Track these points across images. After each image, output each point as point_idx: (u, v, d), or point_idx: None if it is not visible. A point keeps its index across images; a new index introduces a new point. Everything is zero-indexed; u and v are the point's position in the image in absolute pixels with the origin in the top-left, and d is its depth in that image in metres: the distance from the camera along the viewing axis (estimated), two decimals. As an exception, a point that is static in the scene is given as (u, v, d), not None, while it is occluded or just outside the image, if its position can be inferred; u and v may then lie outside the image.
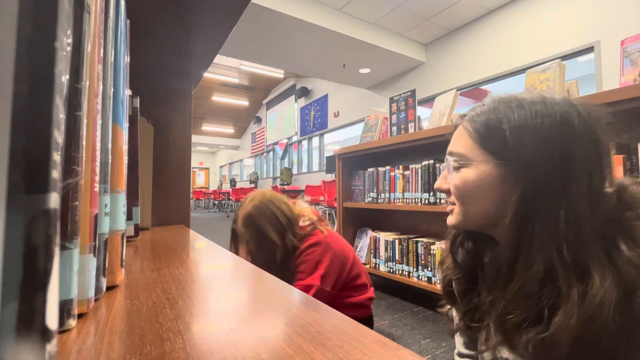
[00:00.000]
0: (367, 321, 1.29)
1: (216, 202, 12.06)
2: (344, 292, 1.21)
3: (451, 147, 0.51)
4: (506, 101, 0.46)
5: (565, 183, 0.40)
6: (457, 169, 0.49)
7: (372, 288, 1.33)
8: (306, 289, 1.07)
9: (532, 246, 0.41)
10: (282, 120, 10.83)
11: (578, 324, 0.36)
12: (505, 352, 0.46)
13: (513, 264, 0.43)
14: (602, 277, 0.37)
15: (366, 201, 2.25)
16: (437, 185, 0.53)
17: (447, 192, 0.52)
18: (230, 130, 14.48)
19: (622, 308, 0.36)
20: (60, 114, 0.12)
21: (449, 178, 0.51)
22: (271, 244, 1.15)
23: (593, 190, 0.40)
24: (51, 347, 0.11)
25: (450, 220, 0.51)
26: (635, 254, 0.37)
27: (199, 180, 17.87)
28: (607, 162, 0.42)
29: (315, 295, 1.06)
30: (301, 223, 1.21)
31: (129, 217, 0.52)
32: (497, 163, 0.45)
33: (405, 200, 1.98)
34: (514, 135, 0.43)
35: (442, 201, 1.76)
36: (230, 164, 16.33)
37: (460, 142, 0.49)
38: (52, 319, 0.11)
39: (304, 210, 1.26)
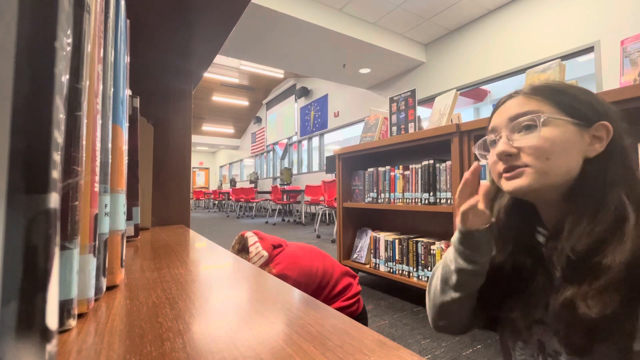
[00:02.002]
0: (362, 315, 1.30)
1: (216, 202, 12.07)
2: (330, 303, 1.21)
3: (516, 111, 0.51)
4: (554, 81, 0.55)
5: (622, 141, 0.49)
6: (531, 127, 0.49)
7: (357, 278, 1.32)
8: None
9: (605, 191, 0.46)
10: (282, 120, 10.83)
11: (633, 247, 0.41)
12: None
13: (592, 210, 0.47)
14: None
15: (366, 201, 2.25)
16: (503, 148, 0.51)
17: (510, 157, 0.51)
18: (230, 130, 14.48)
19: None
20: (60, 114, 0.12)
21: (518, 142, 0.50)
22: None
23: (631, 150, 0.49)
24: (51, 347, 0.11)
25: (523, 181, 0.49)
26: None
27: (199, 180, 17.88)
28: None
29: None
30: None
31: (129, 217, 0.52)
32: (572, 121, 0.49)
33: (405, 200, 1.98)
34: (580, 98, 0.50)
35: (442, 201, 1.76)
36: (230, 164, 16.34)
37: (528, 104, 0.51)
38: (52, 319, 0.11)
39: (252, 249, 1.23)
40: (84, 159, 0.21)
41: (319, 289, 1.20)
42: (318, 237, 4.59)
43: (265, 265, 1.18)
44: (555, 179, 0.48)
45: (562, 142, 0.48)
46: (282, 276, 1.13)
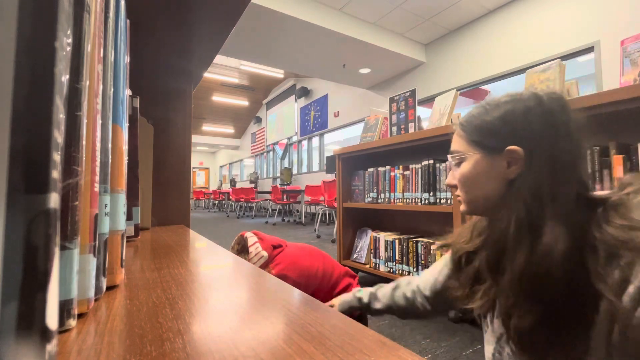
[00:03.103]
0: (362, 315, 1.30)
1: (216, 202, 12.06)
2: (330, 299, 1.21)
3: (451, 148, 0.62)
4: (487, 104, 0.58)
5: (531, 160, 0.51)
6: (457, 164, 0.60)
7: (357, 278, 1.32)
8: None
9: (503, 210, 0.53)
10: (282, 120, 10.83)
11: (528, 269, 0.46)
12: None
13: (490, 224, 0.57)
14: (553, 236, 0.45)
15: (366, 201, 2.25)
16: (447, 181, 0.63)
17: (455, 187, 0.61)
18: (230, 130, 14.48)
19: (587, 264, 0.44)
20: (60, 114, 0.12)
21: (454, 174, 0.61)
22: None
23: (558, 164, 0.49)
24: (51, 347, 0.11)
25: (462, 208, 0.61)
26: (616, 226, 0.43)
27: (199, 180, 17.88)
28: (574, 139, 0.50)
29: None
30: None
31: (129, 217, 0.52)
32: (485, 152, 0.56)
33: (405, 200, 1.98)
34: (493, 128, 0.55)
35: (442, 201, 1.76)
36: (230, 164, 16.34)
37: (456, 142, 0.61)
38: (52, 319, 0.11)
39: (252, 249, 1.24)
40: (84, 159, 0.21)
41: (319, 289, 1.20)
42: (318, 237, 4.59)
43: (265, 266, 1.18)
44: (480, 204, 0.58)
45: (473, 176, 0.57)
46: (281, 276, 1.13)
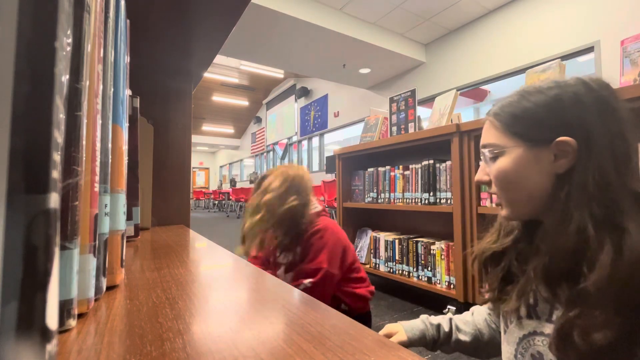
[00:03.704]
0: (366, 317, 1.30)
1: (216, 202, 12.05)
2: (346, 282, 1.22)
3: (483, 141, 0.54)
4: (525, 91, 0.51)
5: (590, 151, 0.44)
6: (493, 159, 0.52)
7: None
8: (315, 271, 1.09)
9: (568, 209, 0.44)
10: (282, 120, 10.83)
11: (615, 274, 0.38)
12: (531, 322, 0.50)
13: (555, 227, 0.46)
14: (638, 232, 0.39)
15: (366, 201, 2.25)
16: (477, 178, 0.56)
17: (489, 184, 0.55)
18: (230, 130, 14.48)
19: None
20: (60, 114, 0.12)
21: (487, 170, 0.54)
22: (289, 207, 1.16)
23: (618, 154, 0.44)
24: (51, 347, 0.11)
25: (502, 213, 0.54)
26: None
27: (199, 180, 17.87)
28: (627, 127, 0.45)
29: (323, 278, 1.07)
30: (311, 209, 1.23)
31: (129, 217, 0.52)
32: (528, 145, 0.48)
33: (405, 200, 1.98)
34: (538, 118, 0.48)
35: (442, 201, 1.76)
36: (230, 164, 16.33)
37: (490, 134, 0.53)
38: (52, 319, 0.11)
39: (313, 198, 1.28)
40: (84, 159, 0.21)
41: (342, 265, 1.20)
42: (318, 237, 4.58)
43: (316, 216, 1.19)
44: (524, 205, 0.51)
45: (514, 172, 0.50)
46: (322, 233, 1.14)
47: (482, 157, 0.55)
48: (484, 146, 0.54)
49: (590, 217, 0.43)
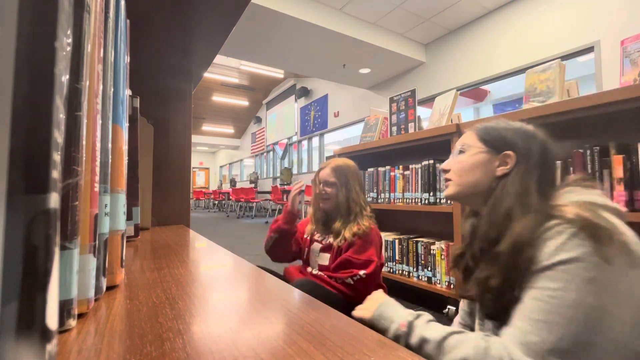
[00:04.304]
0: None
1: (216, 202, 12.06)
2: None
3: (460, 141, 0.75)
4: (500, 120, 0.74)
5: (523, 167, 0.65)
6: (461, 152, 0.73)
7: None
8: (366, 263, 1.18)
9: (499, 200, 0.65)
10: (282, 120, 10.83)
11: (510, 245, 0.59)
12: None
13: (489, 211, 0.67)
14: (524, 219, 0.59)
15: (366, 201, 2.25)
16: (442, 166, 0.77)
17: (447, 172, 0.75)
18: (230, 130, 14.48)
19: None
20: (60, 114, 0.12)
21: (452, 162, 0.75)
22: (350, 191, 1.29)
23: (543, 177, 0.65)
24: (51, 347, 0.11)
25: (447, 190, 0.75)
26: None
27: (199, 180, 17.87)
28: (555, 166, 0.68)
29: (374, 270, 1.18)
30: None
31: (129, 217, 0.52)
32: (486, 150, 0.70)
33: (405, 200, 1.98)
34: (501, 135, 0.70)
35: (442, 201, 1.76)
36: (230, 164, 16.33)
37: (467, 137, 0.74)
38: (52, 319, 0.11)
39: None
40: (84, 159, 0.21)
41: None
42: (318, 237, 4.58)
43: (367, 218, 1.30)
44: (467, 190, 0.72)
45: (471, 164, 0.71)
46: (370, 230, 1.25)
47: (453, 151, 0.77)
48: (460, 143, 0.75)
49: (512, 208, 0.62)
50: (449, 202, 1.71)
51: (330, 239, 1.28)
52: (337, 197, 1.28)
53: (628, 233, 0.53)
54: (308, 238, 1.37)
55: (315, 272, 1.25)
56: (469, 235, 0.72)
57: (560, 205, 0.57)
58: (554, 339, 0.49)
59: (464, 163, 0.72)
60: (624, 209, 0.58)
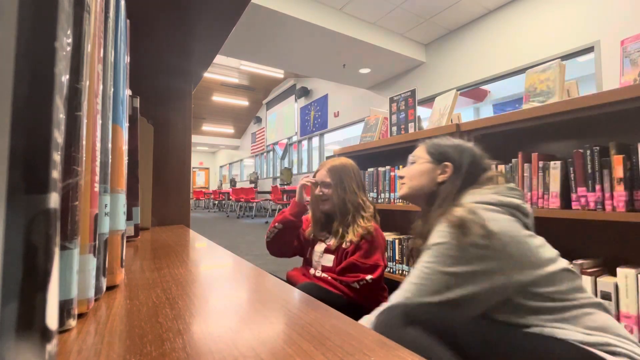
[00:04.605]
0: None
1: (216, 202, 12.06)
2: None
3: (414, 153, 0.96)
4: (446, 137, 0.95)
5: (456, 176, 0.85)
6: (412, 162, 0.95)
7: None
8: (373, 267, 1.18)
9: (439, 199, 0.85)
10: (282, 120, 10.83)
11: (427, 225, 0.83)
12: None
13: (427, 211, 0.89)
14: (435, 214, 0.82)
15: (366, 201, 2.25)
16: (399, 172, 1.02)
17: (403, 177, 0.96)
18: (230, 130, 14.48)
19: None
20: (60, 114, 0.12)
21: (405, 169, 0.96)
22: (345, 191, 1.27)
23: (467, 181, 0.84)
24: (51, 347, 0.11)
25: (400, 191, 0.98)
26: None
27: (199, 180, 17.87)
28: (479, 170, 0.86)
29: (380, 275, 1.19)
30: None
31: (129, 217, 0.52)
32: (431, 161, 0.90)
33: (405, 200, 1.98)
34: (443, 150, 0.90)
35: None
36: (230, 164, 16.33)
37: (419, 150, 0.95)
38: (52, 319, 0.11)
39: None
40: (84, 159, 0.21)
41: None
42: (318, 237, 4.58)
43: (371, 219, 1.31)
44: (414, 191, 0.92)
45: (419, 171, 0.91)
46: (375, 233, 1.27)
47: (408, 161, 0.98)
48: (412, 155, 0.96)
49: (442, 203, 0.82)
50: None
51: (334, 240, 1.26)
52: (334, 198, 1.27)
53: (495, 219, 0.71)
54: (311, 236, 1.36)
55: (319, 274, 1.23)
56: (415, 233, 0.94)
57: (455, 206, 0.76)
58: (423, 295, 0.70)
59: (414, 171, 0.92)
60: (526, 205, 0.77)
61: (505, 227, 0.70)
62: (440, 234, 0.73)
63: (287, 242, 1.35)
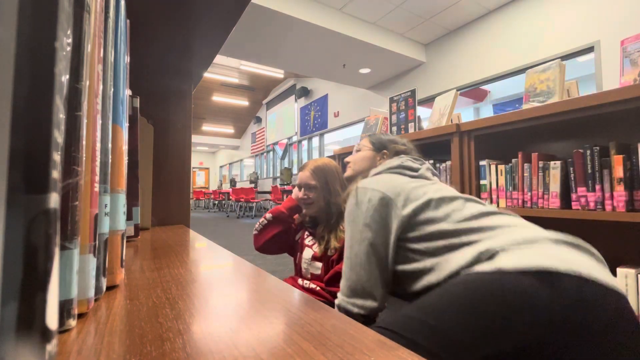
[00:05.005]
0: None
1: (216, 202, 12.06)
2: None
3: (359, 142, 1.15)
4: (383, 133, 1.27)
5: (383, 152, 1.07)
6: (358, 150, 1.11)
7: None
8: None
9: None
10: (282, 120, 10.83)
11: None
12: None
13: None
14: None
15: (366, 201, 2.25)
16: (346, 159, 1.13)
17: (349, 162, 1.11)
18: (230, 130, 14.48)
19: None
20: (60, 114, 0.12)
21: (352, 156, 1.12)
22: (330, 194, 1.23)
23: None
24: (51, 347, 0.11)
25: (346, 173, 1.12)
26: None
27: (199, 180, 17.87)
28: (399, 155, 1.02)
29: None
30: None
31: (129, 217, 0.52)
32: (373, 149, 1.08)
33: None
34: (381, 141, 1.09)
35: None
36: (230, 164, 16.33)
37: (363, 141, 1.13)
38: (52, 319, 0.11)
39: None
40: (84, 159, 0.21)
41: None
42: (318, 237, 4.57)
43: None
44: (356, 174, 1.06)
45: (360, 158, 1.09)
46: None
47: (354, 149, 1.15)
48: (358, 145, 1.13)
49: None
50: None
51: (320, 246, 1.21)
52: (320, 202, 1.22)
53: (375, 189, 0.82)
54: (299, 241, 1.30)
55: (307, 284, 1.18)
56: None
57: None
58: (356, 267, 0.79)
59: (358, 157, 1.09)
60: (415, 163, 0.96)
61: (387, 180, 0.85)
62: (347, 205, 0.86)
63: (275, 236, 1.29)
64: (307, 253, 1.24)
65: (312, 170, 1.26)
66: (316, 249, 1.22)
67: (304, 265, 1.24)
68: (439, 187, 0.83)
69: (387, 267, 0.77)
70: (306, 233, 1.30)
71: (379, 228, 0.78)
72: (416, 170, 0.93)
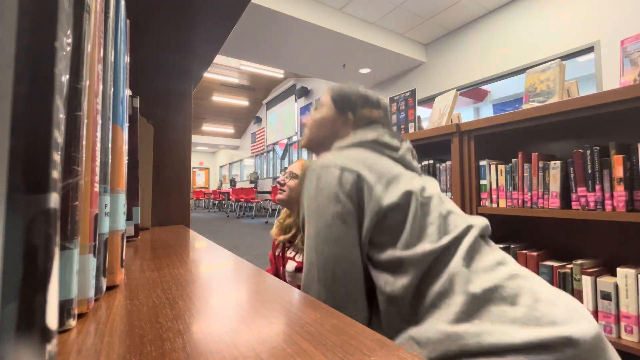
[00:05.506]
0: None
1: (216, 202, 12.06)
2: None
3: (321, 99, 0.89)
4: (347, 84, 0.88)
5: (344, 120, 0.84)
6: (315, 108, 0.88)
7: None
8: None
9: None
10: (282, 120, 10.83)
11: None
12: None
13: None
14: None
15: (366, 201, 2.25)
16: (303, 119, 0.93)
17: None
18: (230, 130, 14.48)
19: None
20: (60, 114, 0.12)
21: (310, 114, 0.90)
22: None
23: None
24: (51, 347, 0.11)
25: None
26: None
27: (199, 180, 17.87)
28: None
29: None
30: None
31: (129, 217, 0.52)
32: (335, 109, 0.84)
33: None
34: (339, 97, 0.85)
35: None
36: (230, 164, 16.33)
37: (323, 97, 0.88)
38: (52, 319, 0.11)
39: None
40: (84, 159, 0.21)
41: None
42: (318, 237, 4.57)
43: None
44: (311, 146, 0.88)
45: (316, 124, 0.85)
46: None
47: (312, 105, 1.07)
48: (316, 101, 0.93)
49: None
50: (449, 202, 1.71)
51: (300, 256, 1.17)
52: (293, 193, 1.19)
53: (348, 167, 0.66)
54: (280, 255, 1.27)
55: None
56: None
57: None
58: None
59: (314, 122, 0.88)
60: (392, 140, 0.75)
61: (361, 157, 0.67)
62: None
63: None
64: (290, 265, 1.21)
65: (304, 164, 1.26)
66: (299, 258, 1.19)
67: (288, 279, 1.22)
68: (422, 184, 0.67)
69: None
70: (286, 246, 1.27)
71: (353, 221, 0.61)
72: (396, 149, 0.72)
